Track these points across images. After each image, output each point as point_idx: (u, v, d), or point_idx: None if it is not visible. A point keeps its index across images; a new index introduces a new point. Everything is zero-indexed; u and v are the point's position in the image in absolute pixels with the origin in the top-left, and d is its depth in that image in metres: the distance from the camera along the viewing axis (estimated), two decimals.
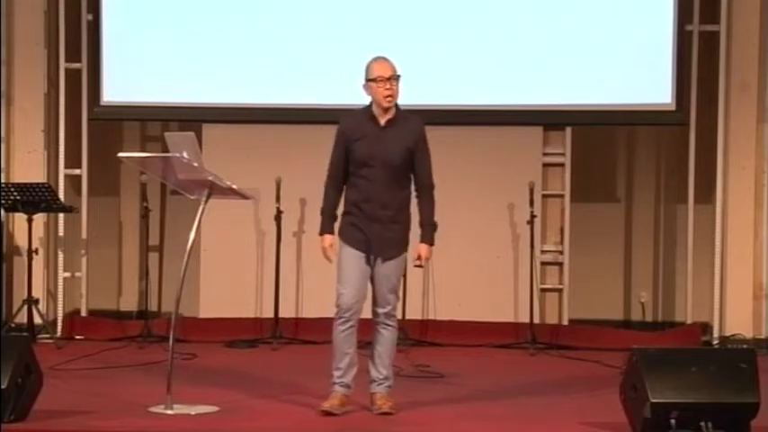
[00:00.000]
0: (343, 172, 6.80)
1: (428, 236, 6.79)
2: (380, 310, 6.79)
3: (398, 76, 6.72)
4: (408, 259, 6.91)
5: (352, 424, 6.67)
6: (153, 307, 9.74)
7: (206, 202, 6.98)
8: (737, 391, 6.12)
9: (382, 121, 6.74)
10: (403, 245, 6.79)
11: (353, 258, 6.73)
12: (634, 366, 6.24)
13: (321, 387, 7.01)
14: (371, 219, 6.71)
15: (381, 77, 6.66)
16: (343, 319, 6.76)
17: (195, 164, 6.83)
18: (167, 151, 6.92)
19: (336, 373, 6.83)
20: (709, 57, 9.75)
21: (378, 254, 6.73)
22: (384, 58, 6.77)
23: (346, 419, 6.72)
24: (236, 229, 9.83)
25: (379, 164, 6.68)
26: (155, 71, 9.81)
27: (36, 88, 9.85)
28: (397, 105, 6.79)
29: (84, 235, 10.02)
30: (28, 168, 9.78)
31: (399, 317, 9.10)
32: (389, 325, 6.81)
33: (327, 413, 6.74)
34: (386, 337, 6.82)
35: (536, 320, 9.54)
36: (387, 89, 6.66)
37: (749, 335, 9.54)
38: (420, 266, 6.90)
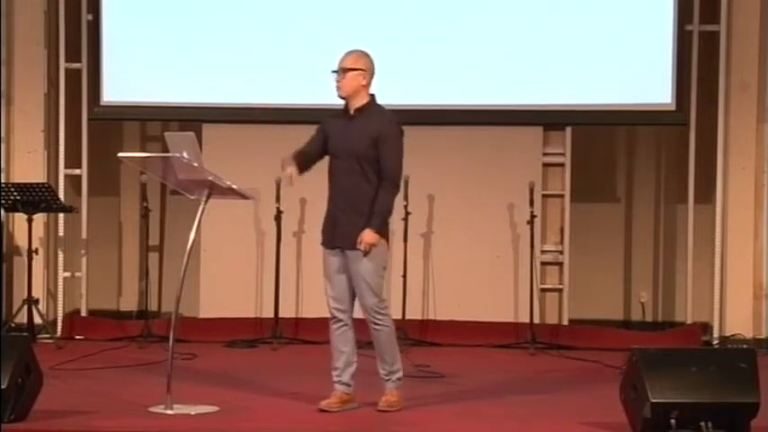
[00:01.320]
0: (311, 147, 6.90)
1: (373, 222, 6.70)
2: (362, 307, 6.82)
3: (346, 69, 6.77)
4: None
5: (352, 423, 6.67)
6: (153, 307, 9.73)
7: (206, 202, 6.98)
8: (737, 391, 6.12)
9: (351, 111, 6.83)
10: None
11: (330, 259, 6.83)
12: (634, 366, 6.24)
13: (321, 387, 7.01)
14: (338, 209, 6.79)
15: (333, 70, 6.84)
16: (334, 319, 6.87)
17: (195, 164, 6.83)
18: (167, 151, 6.92)
19: (334, 373, 6.90)
20: (709, 57, 9.75)
21: (344, 246, 6.76)
22: (346, 53, 6.87)
23: (346, 419, 6.72)
24: (236, 229, 9.83)
25: (345, 154, 6.76)
26: (155, 71, 9.80)
27: (36, 88, 9.85)
28: (373, 99, 6.85)
29: (84, 235, 10.02)
30: (28, 168, 9.78)
31: (399, 317, 9.17)
32: (376, 322, 6.79)
33: (323, 411, 6.79)
34: (377, 336, 6.82)
35: (536, 320, 9.53)
36: (336, 81, 6.82)
37: (749, 335, 9.54)
38: (361, 251, 6.72)
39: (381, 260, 6.79)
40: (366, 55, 6.85)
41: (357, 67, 6.78)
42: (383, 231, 6.77)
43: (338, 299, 6.83)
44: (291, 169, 6.81)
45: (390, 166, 6.76)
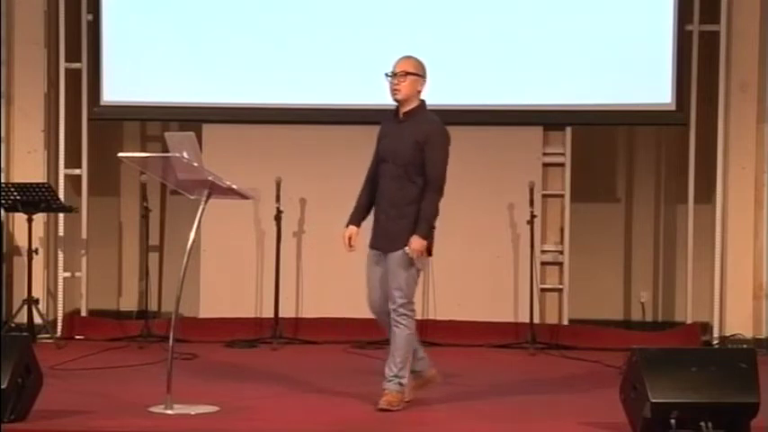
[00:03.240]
0: (375, 170, 6.97)
1: (419, 229, 6.79)
2: (390, 305, 6.86)
3: (407, 73, 6.85)
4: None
5: (352, 423, 6.67)
6: (153, 307, 9.73)
7: (206, 201, 6.99)
8: (737, 391, 6.12)
9: (401, 115, 6.91)
10: (408, 240, 6.80)
11: (371, 259, 6.93)
12: (634, 366, 6.24)
13: (321, 387, 7.01)
14: (382, 211, 6.88)
15: (390, 73, 6.88)
16: (376, 319, 6.95)
17: (195, 164, 6.83)
18: (167, 151, 6.93)
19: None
20: (709, 57, 9.75)
21: (384, 248, 6.83)
22: (403, 57, 6.96)
23: (346, 419, 6.73)
24: (236, 229, 9.83)
25: (392, 158, 6.86)
26: (155, 71, 9.80)
27: (36, 88, 9.84)
28: (423, 104, 6.95)
29: (84, 235, 10.02)
30: (28, 168, 9.77)
31: None
32: (398, 322, 6.84)
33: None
34: (394, 335, 6.87)
35: (536, 320, 9.53)
36: (393, 84, 6.87)
37: (749, 335, 9.54)
38: (408, 255, 6.80)
39: (419, 264, 6.87)
40: (422, 62, 6.96)
41: (417, 72, 6.89)
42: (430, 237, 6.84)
43: (374, 302, 6.91)
44: (348, 232, 6.89)
45: (434, 172, 6.83)
